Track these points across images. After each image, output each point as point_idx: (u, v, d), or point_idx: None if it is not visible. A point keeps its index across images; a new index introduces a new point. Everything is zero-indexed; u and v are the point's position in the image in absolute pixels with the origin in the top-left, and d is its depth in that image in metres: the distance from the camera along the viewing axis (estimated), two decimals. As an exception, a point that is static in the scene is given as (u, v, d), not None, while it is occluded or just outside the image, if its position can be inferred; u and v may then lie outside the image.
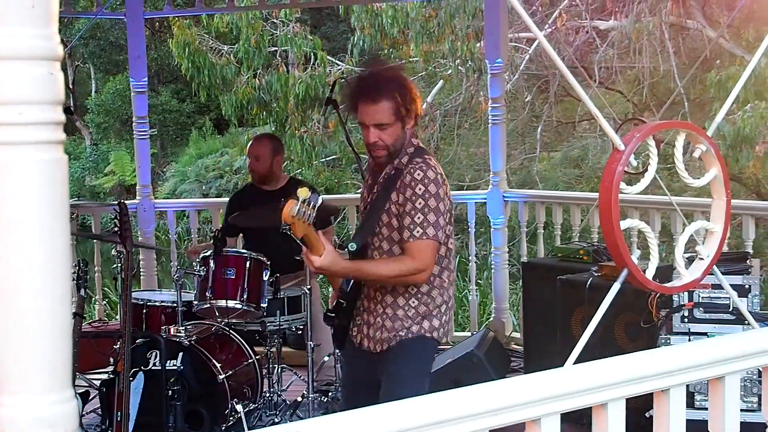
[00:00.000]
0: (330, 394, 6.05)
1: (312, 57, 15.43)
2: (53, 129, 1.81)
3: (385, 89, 3.98)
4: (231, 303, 5.86)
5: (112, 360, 5.66)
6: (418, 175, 3.91)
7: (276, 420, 5.91)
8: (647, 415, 4.40)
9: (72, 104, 26.72)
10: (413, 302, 4.07)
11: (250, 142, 6.86)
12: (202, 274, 5.86)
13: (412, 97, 4.03)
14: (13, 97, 1.79)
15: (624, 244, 3.50)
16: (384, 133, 3.98)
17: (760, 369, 2.95)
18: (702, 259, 3.78)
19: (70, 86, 28.51)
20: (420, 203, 3.89)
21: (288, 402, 6.12)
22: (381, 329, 4.11)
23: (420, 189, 3.90)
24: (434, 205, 3.89)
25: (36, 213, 1.79)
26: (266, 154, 6.63)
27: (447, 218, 3.99)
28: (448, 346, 6.88)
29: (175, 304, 5.84)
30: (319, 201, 3.72)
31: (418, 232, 3.88)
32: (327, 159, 16.97)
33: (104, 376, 5.68)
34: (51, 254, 1.82)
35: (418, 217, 3.88)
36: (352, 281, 4.19)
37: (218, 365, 5.66)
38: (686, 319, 5.14)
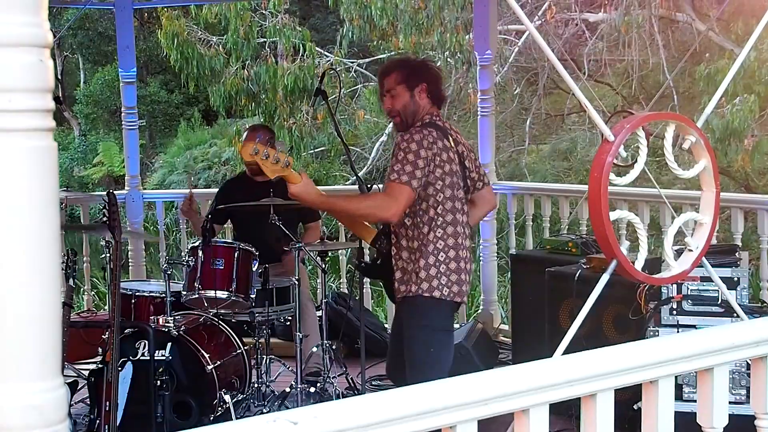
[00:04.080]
0: (318, 384, 6.05)
1: (301, 48, 15.40)
2: (43, 116, 1.80)
3: (395, 65, 4.80)
4: (219, 293, 5.86)
5: (100, 350, 5.63)
6: (407, 135, 4.43)
7: (264, 410, 5.89)
8: (635, 407, 4.40)
9: (60, 95, 26.61)
10: (406, 258, 4.52)
11: (246, 134, 6.88)
12: (190, 264, 5.86)
13: (421, 74, 4.64)
14: (2, 85, 1.77)
15: (613, 235, 3.51)
16: (393, 100, 4.62)
17: (749, 361, 2.95)
18: (691, 250, 3.79)
19: (59, 77, 28.41)
20: (400, 154, 4.36)
21: (276, 393, 6.11)
22: (397, 281, 4.57)
23: (403, 144, 4.38)
24: (412, 158, 4.34)
25: (25, 200, 1.79)
26: (265, 142, 6.62)
27: (429, 173, 4.39)
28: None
29: (163, 295, 5.83)
30: (280, 143, 3.96)
31: (393, 176, 4.34)
32: (316, 150, 16.96)
33: (93, 366, 5.67)
34: (40, 242, 1.81)
35: (396, 165, 4.34)
36: (385, 241, 4.65)
37: (207, 356, 5.66)
38: (675, 312, 5.14)
